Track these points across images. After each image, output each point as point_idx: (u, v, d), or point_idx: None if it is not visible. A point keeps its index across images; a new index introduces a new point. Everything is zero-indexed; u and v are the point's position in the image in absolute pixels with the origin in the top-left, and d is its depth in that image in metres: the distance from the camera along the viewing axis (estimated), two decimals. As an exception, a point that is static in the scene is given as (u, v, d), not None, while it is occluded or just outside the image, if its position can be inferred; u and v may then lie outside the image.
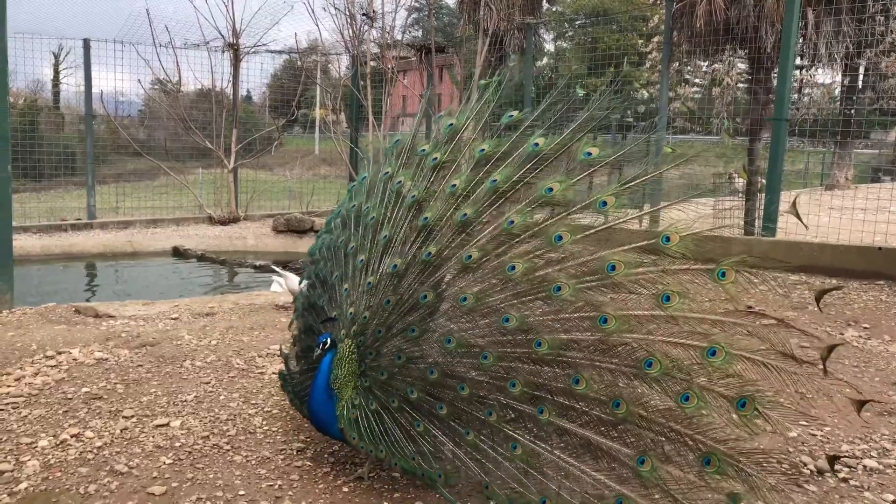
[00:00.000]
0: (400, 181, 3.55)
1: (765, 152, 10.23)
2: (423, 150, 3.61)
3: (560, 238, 3.01)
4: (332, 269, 3.62)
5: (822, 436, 3.98)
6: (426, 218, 3.31)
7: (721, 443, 2.69)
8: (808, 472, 3.59)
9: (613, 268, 2.86)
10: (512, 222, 3.13)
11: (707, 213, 2.80)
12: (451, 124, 3.58)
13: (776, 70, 10.46)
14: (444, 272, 3.22)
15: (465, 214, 3.23)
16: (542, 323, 2.96)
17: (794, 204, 2.82)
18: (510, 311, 2.99)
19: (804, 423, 4.13)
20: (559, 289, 2.91)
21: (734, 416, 2.69)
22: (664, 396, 2.73)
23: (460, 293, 3.12)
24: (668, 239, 2.83)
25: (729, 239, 9.19)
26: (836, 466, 3.60)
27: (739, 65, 15.39)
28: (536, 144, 3.28)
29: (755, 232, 9.93)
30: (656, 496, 2.68)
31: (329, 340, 3.31)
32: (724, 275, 2.80)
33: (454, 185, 3.35)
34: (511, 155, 3.33)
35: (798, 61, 13.31)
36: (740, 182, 12.02)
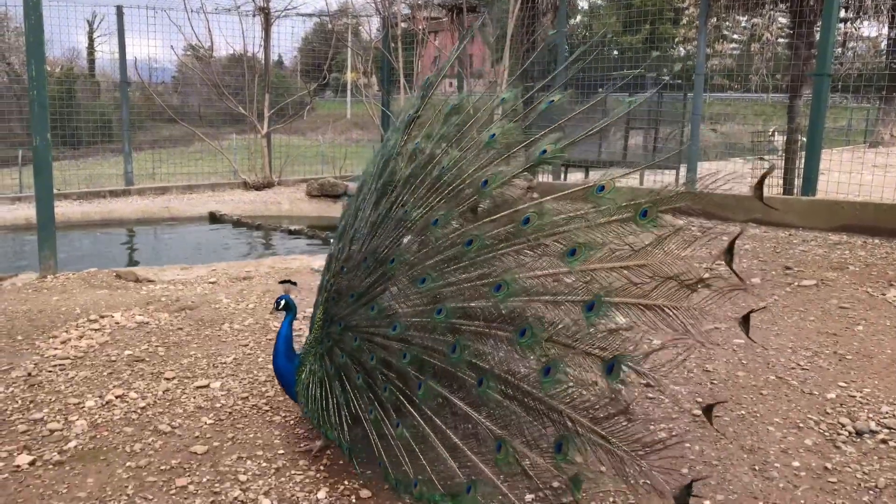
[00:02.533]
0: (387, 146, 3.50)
1: (806, 109, 9.96)
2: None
3: (486, 183, 3.03)
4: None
5: (861, 397, 3.92)
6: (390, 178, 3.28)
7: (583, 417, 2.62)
8: (847, 433, 3.55)
9: (528, 220, 2.86)
10: (444, 168, 3.14)
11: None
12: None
13: (819, 23, 10.12)
14: (387, 237, 3.17)
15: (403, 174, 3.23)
16: (447, 285, 2.94)
17: (759, 185, 2.66)
18: (429, 273, 2.97)
19: (843, 384, 4.08)
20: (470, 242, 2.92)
21: (602, 381, 2.61)
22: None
23: (401, 256, 3.10)
24: (602, 188, 2.79)
25: (768, 198, 9.03)
26: (877, 428, 3.56)
27: (780, 19, 14.92)
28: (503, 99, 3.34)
29: (794, 191, 9.73)
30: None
31: (284, 301, 3.41)
32: (645, 214, 2.66)
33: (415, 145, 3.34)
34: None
35: (842, 14, 12.86)
36: (779, 141, 11.76)
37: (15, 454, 3.34)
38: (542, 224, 2.85)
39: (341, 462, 3.28)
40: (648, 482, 2.51)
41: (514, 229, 2.91)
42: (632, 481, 2.54)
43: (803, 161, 9.37)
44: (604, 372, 2.57)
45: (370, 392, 2.99)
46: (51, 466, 3.26)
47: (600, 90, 13.07)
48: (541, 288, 2.79)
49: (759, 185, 2.66)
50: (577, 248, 2.72)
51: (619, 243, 2.72)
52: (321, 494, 3.02)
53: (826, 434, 3.56)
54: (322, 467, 3.25)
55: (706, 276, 2.57)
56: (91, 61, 30.46)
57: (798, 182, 9.63)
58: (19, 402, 3.90)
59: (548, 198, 2.93)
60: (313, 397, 3.16)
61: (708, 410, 2.68)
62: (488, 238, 2.93)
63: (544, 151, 3.05)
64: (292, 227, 11.03)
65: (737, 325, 2.66)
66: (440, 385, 2.85)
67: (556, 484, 2.82)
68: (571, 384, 2.67)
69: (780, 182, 10.44)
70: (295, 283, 3.63)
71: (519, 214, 2.92)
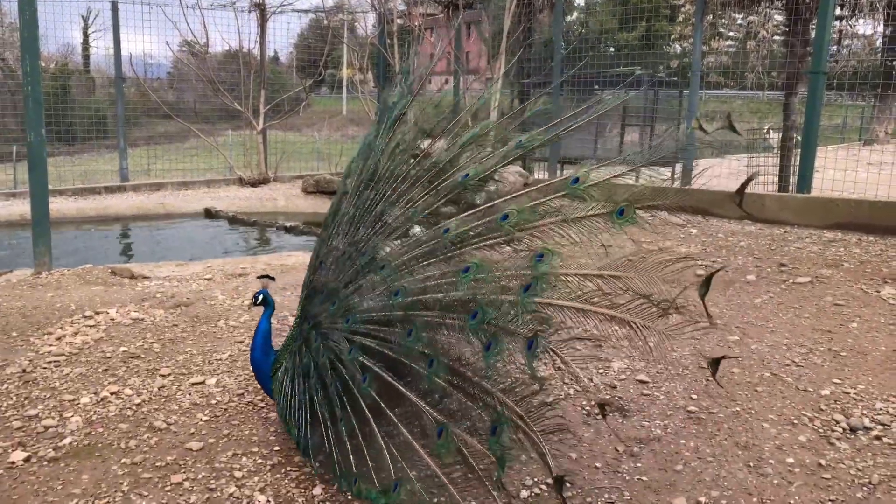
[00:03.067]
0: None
1: (801, 107, 9.98)
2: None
3: (468, 177, 3.10)
4: None
5: (855, 394, 3.94)
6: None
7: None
8: (841, 430, 3.57)
9: (506, 217, 2.89)
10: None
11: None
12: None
13: (814, 21, 10.13)
14: (364, 233, 3.22)
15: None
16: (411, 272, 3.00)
17: (740, 191, 2.66)
18: (394, 264, 3.02)
19: (837, 380, 4.10)
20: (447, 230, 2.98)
21: (522, 358, 2.62)
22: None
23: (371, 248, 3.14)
24: (577, 180, 2.79)
25: (762, 196, 9.05)
26: (871, 424, 3.58)
27: (776, 16, 14.93)
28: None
29: (790, 188, 9.75)
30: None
31: (262, 296, 3.44)
32: (622, 213, 2.65)
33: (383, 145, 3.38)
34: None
35: (837, 11, 12.87)
36: (774, 138, 11.77)
37: (10, 451, 3.33)
38: (520, 220, 2.87)
39: (353, 468, 3.28)
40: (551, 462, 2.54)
41: (491, 224, 2.95)
42: (544, 460, 2.56)
43: (798, 158, 9.39)
44: (524, 349, 2.57)
45: (323, 390, 3.00)
46: (45, 463, 3.25)
47: (596, 88, 13.09)
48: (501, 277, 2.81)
49: (740, 192, 2.67)
50: (544, 253, 2.72)
51: (594, 243, 2.74)
52: (317, 491, 3.02)
53: (820, 430, 3.57)
54: (317, 464, 3.24)
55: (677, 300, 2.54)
56: (86, 57, 30.30)
57: (793, 179, 9.65)
58: (14, 398, 3.89)
59: (524, 191, 2.97)
60: (283, 394, 3.18)
61: (715, 364, 2.64)
62: (460, 232, 2.97)
63: (520, 142, 3.10)
64: (288, 224, 11.01)
65: (707, 365, 2.64)
66: (386, 374, 2.86)
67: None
68: (507, 362, 2.70)
69: (776, 179, 10.46)
70: (273, 278, 3.64)
71: (493, 210, 2.97)
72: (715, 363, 2.63)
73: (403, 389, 2.82)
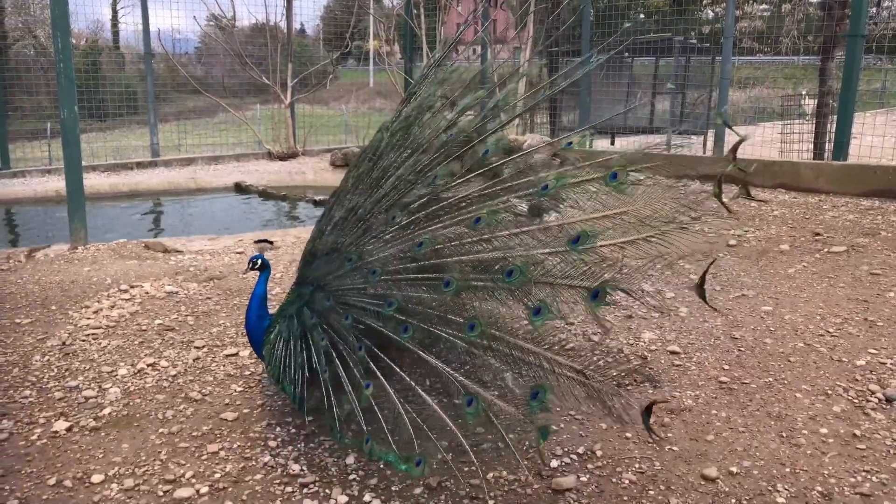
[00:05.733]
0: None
1: (838, 72, 9.72)
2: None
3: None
4: None
5: (892, 364, 3.88)
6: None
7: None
8: (876, 400, 3.52)
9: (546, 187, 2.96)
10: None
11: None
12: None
13: (853, -18, 9.82)
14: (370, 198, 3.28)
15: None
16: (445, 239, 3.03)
17: (733, 151, 2.62)
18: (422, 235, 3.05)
19: (873, 350, 4.04)
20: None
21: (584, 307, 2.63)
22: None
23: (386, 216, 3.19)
24: (570, 144, 2.97)
25: (797, 164, 8.87)
26: (906, 395, 3.53)
27: (812, -22, 14.52)
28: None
29: (825, 156, 9.54)
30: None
31: (260, 261, 3.46)
32: (615, 177, 2.74)
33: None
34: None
35: (877, -28, 12.48)
36: (810, 104, 11.50)
37: (53, 421, 3.43)
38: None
39: (368, 429, 3.32)
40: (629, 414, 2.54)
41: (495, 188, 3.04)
42: (616, 415, 2.56)
43: (835, 125, 9.17)
44: (588, 299, 2.58)
45: (334, 351, 3.01)
46: (87, 432, 3.34)
47: (626, 55, 12.87)
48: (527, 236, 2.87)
49: (733, 152, 2.65)
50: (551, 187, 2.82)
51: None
52: (350, 460, 3.06)
53: (855, 401, 3.53)
54: (350, 433, 3.29)
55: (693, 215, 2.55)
56: (115, 33, 30.51)
57: (829, 146, 9.43)
58: (55, 370, 3.99)
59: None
60: (277, 356, 3.19)
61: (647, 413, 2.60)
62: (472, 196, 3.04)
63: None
64: (317, 198, 11.06)
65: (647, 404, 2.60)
66: (421, 336, 2.88)
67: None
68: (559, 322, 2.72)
69: (811, 147, 10.24)
70: (271, 243, 3.67)
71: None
72: (647, 412, 2.58)
73: (431, 359, 2.82)
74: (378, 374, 2.88)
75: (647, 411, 2.54)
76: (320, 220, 3.45)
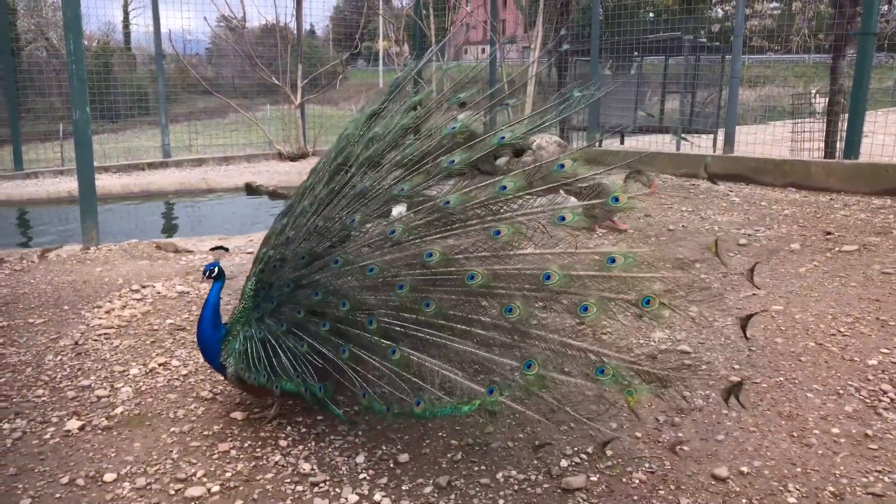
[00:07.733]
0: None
1: (849, 70, 9.65)
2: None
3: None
4: None
5: (903, 364, 3.86)
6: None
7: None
8: (889, 400, 3.50)
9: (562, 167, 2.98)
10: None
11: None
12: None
13: (864, -20, 9.75)
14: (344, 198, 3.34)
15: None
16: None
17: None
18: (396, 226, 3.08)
19: (885, 350, 4.02)
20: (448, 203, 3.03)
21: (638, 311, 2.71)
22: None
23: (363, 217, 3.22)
24: (562, 166, 2.93)
25: (807, 162, 8.83)
26: (919, 394, 3.51)
27: (823, -24, 14.44)
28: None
29: (836, 155, 9.48)
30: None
31: (216, 269, 3.39)
32: (562, 167, 2.89)
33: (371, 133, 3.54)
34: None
35: (889, -31, 12.38)
36: (821, 103, 11.43)
37: (65, 419, 3.46)
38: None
39: (379, 427, 3.34)
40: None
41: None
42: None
43: (846, 123, 9.12)
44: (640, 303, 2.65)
45: (339, 335, 3.05)
46: (99, 431, 3.37)
47: (635, 54, 12.83)
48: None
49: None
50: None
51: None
52: (360, 459, 3.08)
53: (867, 401, 3.51)
54: (360, 432, 3.31)
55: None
56: (126, 35, 30.67)
57: (840, 145, 9.38)
58: (68, 369, 4.03)
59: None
60: (257, 358, 3.18)
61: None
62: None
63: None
64: (327, 198, 11.09)
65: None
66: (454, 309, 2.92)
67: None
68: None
69: (821, 146, 10.18)
70: (227, 250, 3.64)
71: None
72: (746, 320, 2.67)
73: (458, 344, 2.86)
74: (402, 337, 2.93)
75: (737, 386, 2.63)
76: (280, 227, 3.46)
